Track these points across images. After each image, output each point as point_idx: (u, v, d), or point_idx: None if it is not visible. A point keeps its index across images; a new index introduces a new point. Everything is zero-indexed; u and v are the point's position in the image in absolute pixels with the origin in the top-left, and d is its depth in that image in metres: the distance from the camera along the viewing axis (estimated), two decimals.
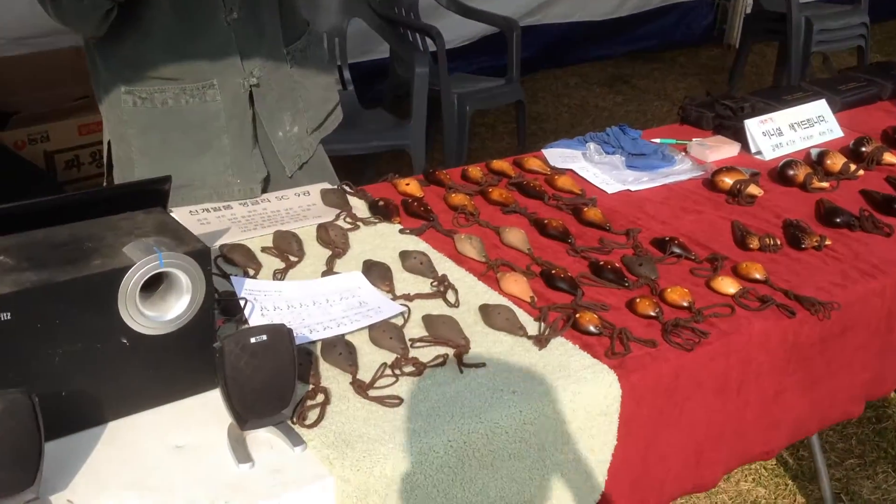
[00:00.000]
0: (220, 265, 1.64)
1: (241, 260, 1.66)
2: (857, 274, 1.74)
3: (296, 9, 2.07)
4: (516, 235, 1.80)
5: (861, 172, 2.19)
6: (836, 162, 2.19)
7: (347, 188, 2.01)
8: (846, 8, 4.77)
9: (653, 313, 1.55)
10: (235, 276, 1.58)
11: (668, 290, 1.61)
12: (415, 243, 1.79)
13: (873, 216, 1.94)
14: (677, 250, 1.78)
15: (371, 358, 1.40)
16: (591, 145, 2.23)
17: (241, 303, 1.43)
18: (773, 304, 1.61)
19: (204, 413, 1.26)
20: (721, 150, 2.30)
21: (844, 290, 1.68)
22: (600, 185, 2.11)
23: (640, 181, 2.12)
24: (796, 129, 2.38)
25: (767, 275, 1.70)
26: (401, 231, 1.83)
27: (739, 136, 2.35)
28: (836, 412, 1.79)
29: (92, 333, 1.18)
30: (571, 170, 2.17)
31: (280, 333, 1.19)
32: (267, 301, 1.48)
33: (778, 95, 2.59)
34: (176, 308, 1.23)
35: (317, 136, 2.12)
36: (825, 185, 2.11)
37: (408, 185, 2.02)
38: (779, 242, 1.83)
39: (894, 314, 1.77)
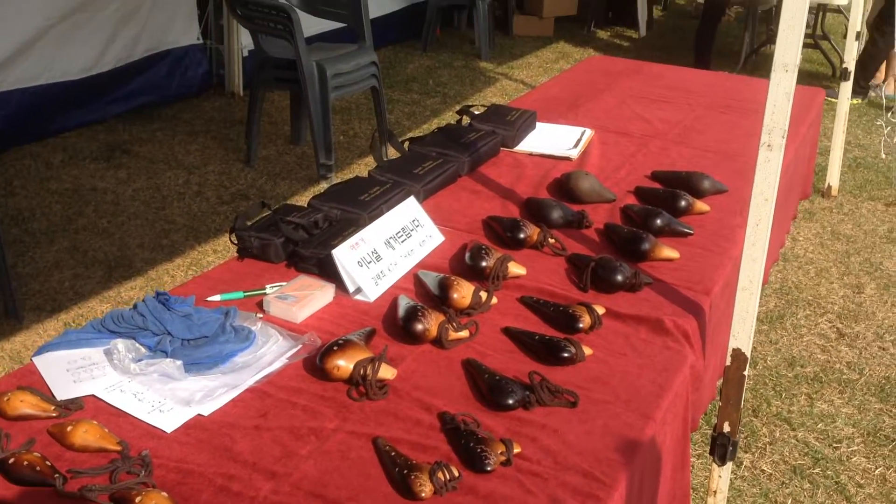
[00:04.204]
0: None
1: None
2: None
3: None
4: None
5: (495, 300, 1.66)
6: (465, 293, 1.62)
7: None
8: (351, 47, 4.39)
9: None
10: None
11: None
12: None
13: (546, 380, 1.40)
14: None
15: None
16: (120, 344, 1.36)
17: None
18: None
19: None
20: (311, 300, 1.60)
21: None
22: (151, 419, 1.26)
23: (213, 395, 1.32)
24: (394, 245, 1.77)
25: None
26: None
27: (326, 268, 1.68)
28: None
29: None
30: (80, 398, 1.29)
31: None
32: None
33: (350, 195, 1.96)
34: None
35: None
36: (464, 334, 1.53)
37: None
38: (457, 473, 1.19)
39: None
